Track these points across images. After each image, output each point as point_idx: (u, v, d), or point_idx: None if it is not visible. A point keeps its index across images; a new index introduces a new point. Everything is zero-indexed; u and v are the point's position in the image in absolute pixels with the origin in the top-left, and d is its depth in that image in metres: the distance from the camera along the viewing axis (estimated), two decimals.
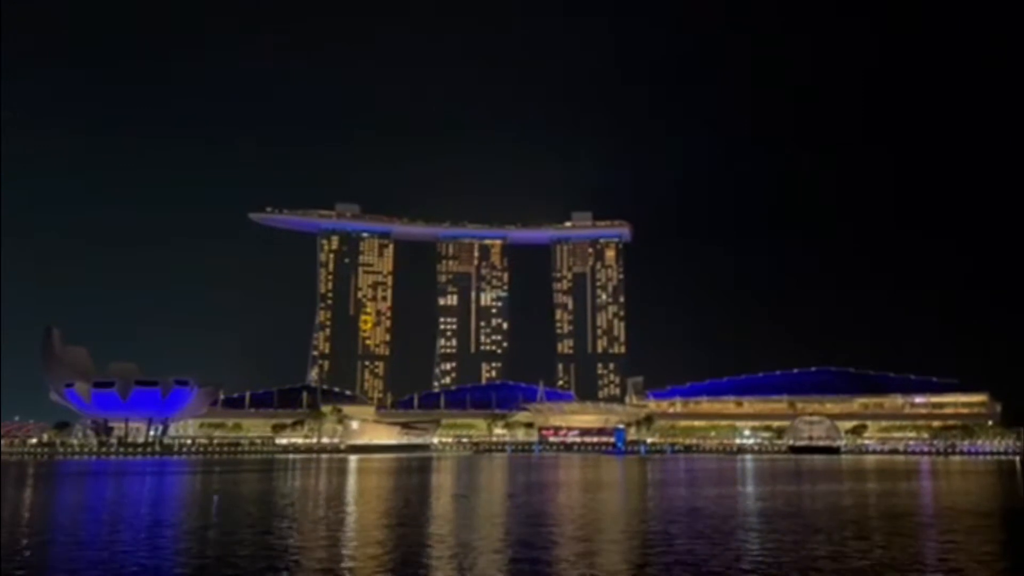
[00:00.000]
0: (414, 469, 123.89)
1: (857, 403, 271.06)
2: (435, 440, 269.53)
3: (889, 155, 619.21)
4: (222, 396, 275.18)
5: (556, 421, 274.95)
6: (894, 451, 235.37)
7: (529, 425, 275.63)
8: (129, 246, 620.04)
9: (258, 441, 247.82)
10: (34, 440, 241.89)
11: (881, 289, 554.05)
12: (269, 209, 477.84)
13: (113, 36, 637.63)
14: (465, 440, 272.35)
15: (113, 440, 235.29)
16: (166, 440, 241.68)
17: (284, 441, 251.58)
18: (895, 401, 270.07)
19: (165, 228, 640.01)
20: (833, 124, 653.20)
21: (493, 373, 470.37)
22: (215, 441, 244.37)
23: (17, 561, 31.36)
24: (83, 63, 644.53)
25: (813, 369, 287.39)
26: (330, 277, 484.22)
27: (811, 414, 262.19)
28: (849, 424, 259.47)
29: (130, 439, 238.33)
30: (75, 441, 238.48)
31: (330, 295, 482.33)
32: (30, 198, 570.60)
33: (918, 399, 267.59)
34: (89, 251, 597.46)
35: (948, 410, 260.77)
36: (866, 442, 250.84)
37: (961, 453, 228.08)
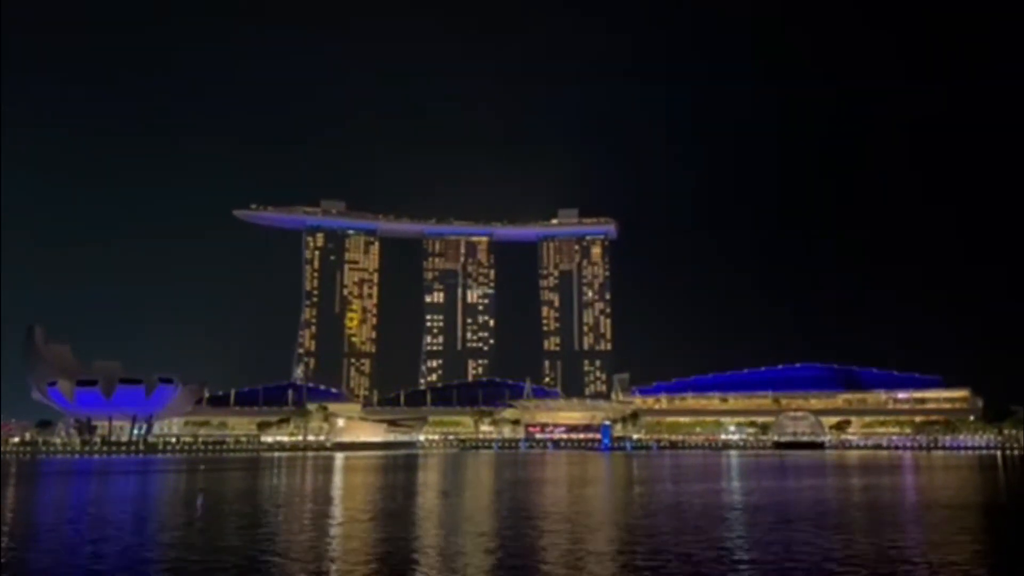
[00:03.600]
0: (400, 467, 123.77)
1: (841, 399, 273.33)
2: (421, 437, 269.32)
3: (873, 153, 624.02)
4: (207, 394, 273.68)
5: (543, 418, 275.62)
6: (877, 446, 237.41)
7: (516, 422, 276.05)
8: (111, 243, 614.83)
9: (243, 439, 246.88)
10: (16, 439, 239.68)
11: (865, 285, 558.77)
12: (254, 206, 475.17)
13: (98, 33, 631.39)
14: (452, 437, 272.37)
15: (96, 439, 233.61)
16: (150, 439, 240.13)
17: (270, 439, 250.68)
18: (878, 397, 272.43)
19: (148, 225, 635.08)
20: (819, 120, 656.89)
21: (479, 370, 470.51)
22: (200, 439, 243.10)
23: None
24: (68, 61, 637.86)
25: (797, 365, 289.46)
26: (315, 274, 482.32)
27: (795, 410, 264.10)
28: (833, 419, 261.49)
29: (114, 438, 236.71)
30: (58, 440, 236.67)
31: (316, 292, 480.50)
32: (9, 194, 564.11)
33: (901, 395, 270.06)
34: (70, 248, 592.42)
35: (931, 405, 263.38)
36: (850, 437, 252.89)
37: (943, 448, 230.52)
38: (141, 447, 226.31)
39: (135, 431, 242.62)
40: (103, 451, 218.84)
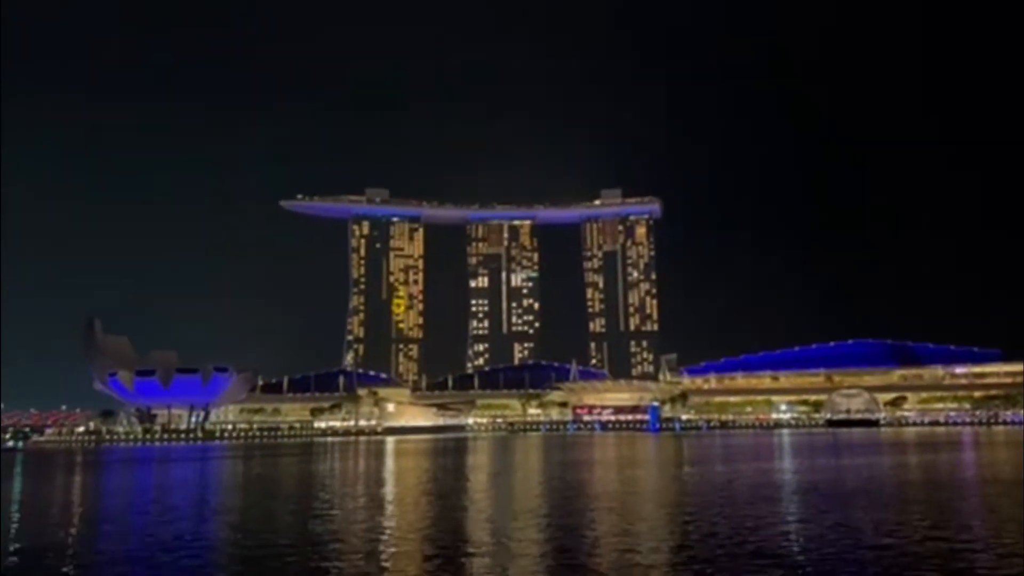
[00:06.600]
0: (450, 450, 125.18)
1: (896, 375, 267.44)
2: (470, 421, 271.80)
3: (924, 126, 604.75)
4: (260, 381, 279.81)
5: (590, 400, 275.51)
6: (935, 423, 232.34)
7: (563, 404, 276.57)
8: (162, 236, 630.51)
9: (297, 425, 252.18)
10: (81, 428, 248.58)
11: (920, 258, 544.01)
12: (300, 196, 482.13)
13: (144, 25, 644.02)
14: (500, 420, 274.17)
15: (157, 427, 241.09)
16: (207, 426, 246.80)
17: (322, 425, 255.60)
18: (935, 372, 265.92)
19: (199, 218, 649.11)
20: (865, 97, 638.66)
21: (525, 353, 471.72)
22: (255, 426, 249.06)
23: (69, 543, 32.55)
24: (118, 48, 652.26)
25: (850, 341, 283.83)
26: (362, 262, 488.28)
27: (849, 387, 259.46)
28: (888, 396, 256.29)
29: (172, 426, 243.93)
30: (120, 429, 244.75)
31: (363, 280, 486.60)
32: (67, 192, 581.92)
33: (959, 369, 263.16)
34: (123, 242, 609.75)
35: (990, 380, 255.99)
36: (906, 414, 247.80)
37: (1004, 423, 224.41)
38: (199, 434, 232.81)
39: (193, 419, 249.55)
40: (163, 439, 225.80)
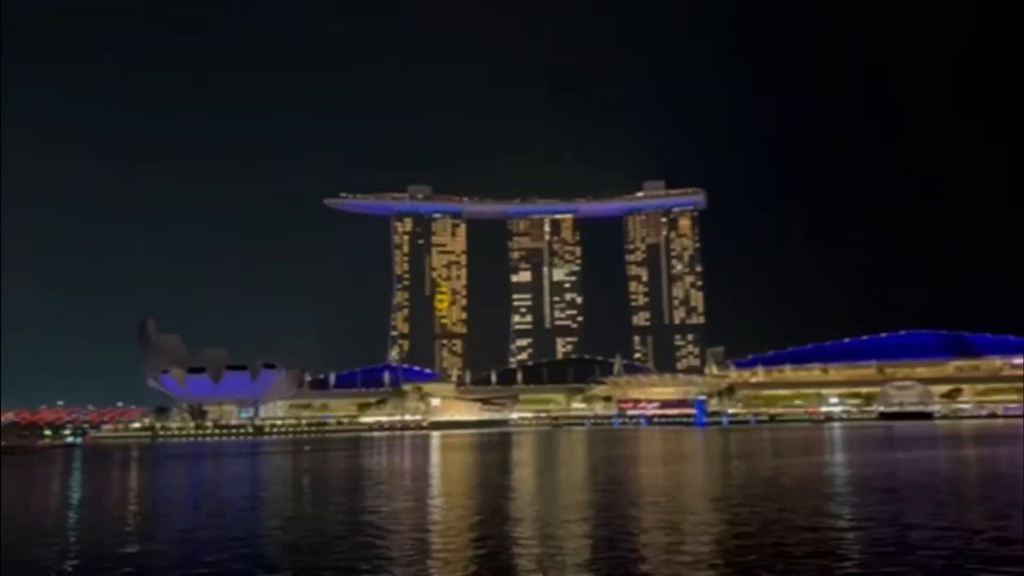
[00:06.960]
0: (495, 444, 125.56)
1: (951, 366, 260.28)
2: (514, 415, 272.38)
3: (968, 122, 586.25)
4: (308, 378, 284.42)
5: (635, 394, 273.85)
6: (992, 415, 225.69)
7: (607, 399, 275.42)
8: (209, 235, 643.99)
9: (344, 420, 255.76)
10: (136, 424, 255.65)
11: (974, 246, 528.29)
12: (343, 195, 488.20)
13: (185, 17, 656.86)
14: (543, 415, 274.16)
15: (209, 423, 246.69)
16: (257, 422, 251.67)
17: (369, 420, 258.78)
18: (992, 363, 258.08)
19: (245, 216, 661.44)
20: (909, 86, 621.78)
21: (568, 348, 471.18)
22: (303, 421, 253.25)
23: (127, 535, 33.44)
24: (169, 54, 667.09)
25: (903, 332, 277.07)
26: (405, 258, 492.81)
27: (901, 379, 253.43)
28: (943, 388, 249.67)
29: (223, 421, 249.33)
30: (174, 424, 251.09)
31: (406, 276, 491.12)
32: (117, 197, 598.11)
33: (1018, 360, 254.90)
34: (172, 243, 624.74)
35: None
36: (962, 406, 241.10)
37: None
38: (250, 430, 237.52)
39: (243, 414, 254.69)
40: (216, 434, 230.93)
